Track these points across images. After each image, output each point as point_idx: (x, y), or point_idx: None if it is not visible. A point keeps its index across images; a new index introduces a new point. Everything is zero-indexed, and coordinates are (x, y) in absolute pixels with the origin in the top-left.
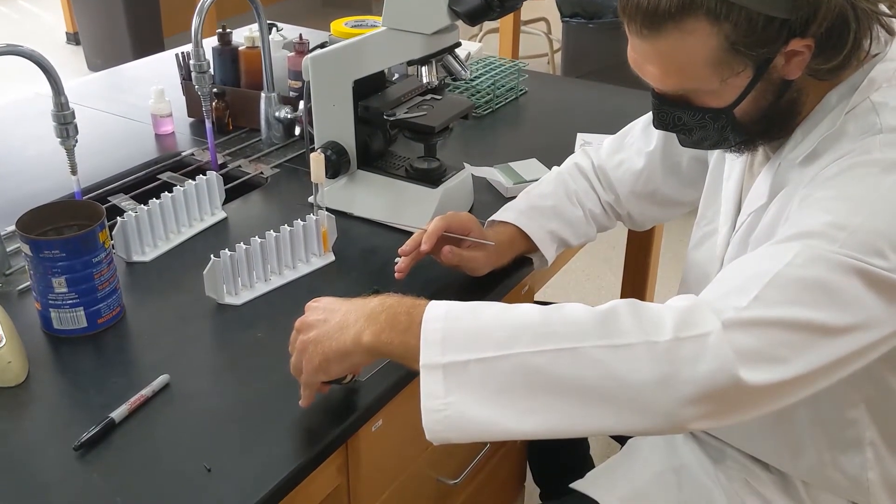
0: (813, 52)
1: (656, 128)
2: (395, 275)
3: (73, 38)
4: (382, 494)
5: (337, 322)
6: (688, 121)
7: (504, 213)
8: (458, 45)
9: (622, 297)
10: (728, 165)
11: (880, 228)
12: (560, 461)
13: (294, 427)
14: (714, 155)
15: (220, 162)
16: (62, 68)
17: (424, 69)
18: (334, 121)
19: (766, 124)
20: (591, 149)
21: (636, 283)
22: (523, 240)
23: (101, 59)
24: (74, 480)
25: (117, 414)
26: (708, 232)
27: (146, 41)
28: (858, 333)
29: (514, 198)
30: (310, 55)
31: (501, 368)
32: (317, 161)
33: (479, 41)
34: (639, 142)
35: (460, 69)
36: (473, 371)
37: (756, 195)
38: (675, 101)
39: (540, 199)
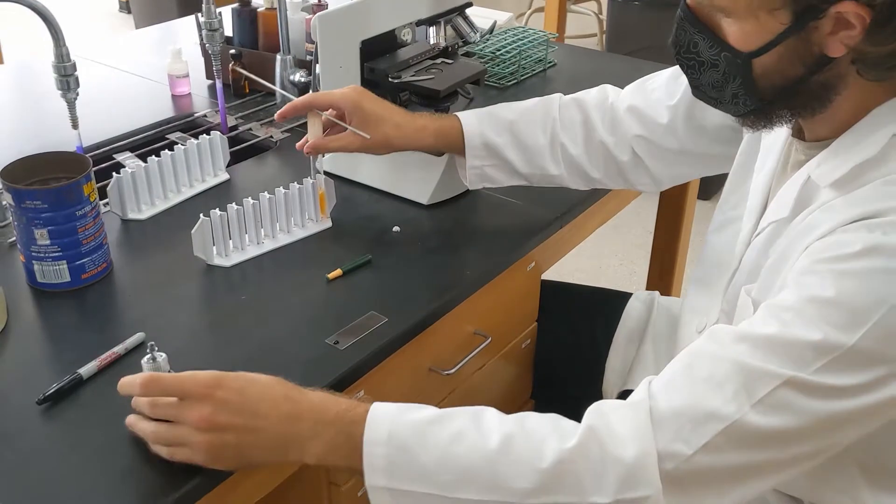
0: (867, 29)
1: (672, 47)
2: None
3: (126, 7)
4: None
5: (266, 438)
6: (703, 51)
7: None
8: (469, 5)
9: (649, 283)
10: (762, 153)
11: (878, 350)
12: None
13: None
14: (747, 134)
15: (231, 124)
16: (112, 34)
17: (432, 30)
18: (341, 82)
19: (785, 99)
20: (611, 87)
21: (664, 267)
22: (449, 138)
23: (148, 25)
24: (34, 433)
25: (86, 370)
26: (730, 218)
27: (193, 6)
28: (804, 460)
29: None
30: (318, 14)
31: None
32: (313, 120)
33: (526, 21)
34: (661, 91)
35: (469, 31)
36: (419, 499)
37: (780, 205)
38: (701, 23)
39: (503, 109)
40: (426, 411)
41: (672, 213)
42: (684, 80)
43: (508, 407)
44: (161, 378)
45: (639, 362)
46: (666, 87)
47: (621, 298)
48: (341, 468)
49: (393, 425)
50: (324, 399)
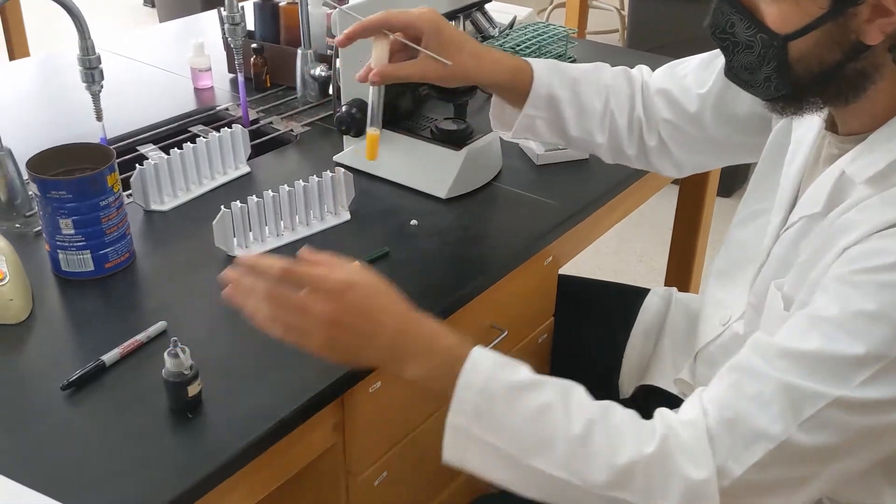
0: None
1: (708, 27)
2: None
3: (150, 1)
4: (382, 457)
5: (377, 346)
6: (739, 31)
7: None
8: (488, 0)
9: (667, 279)
10: (793, 145)
11: None
12: None
13: (286, 381)
14: (776, 126)
15: (253, 118)
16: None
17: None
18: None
19: (819, 85)
20: (645, 67)
21: (681, 265)
22: (518, 79)
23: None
24: (57, 417)
25: (108, 357)
26: (757, 211)
27: (217, 1)
28: (847, 471)
29: (545, 166)
30: (339, 9)
31: (516, 464)
32: (381, 43)
33: (547, 17)
34: (691, 78)
35: (488, 26)
36: (492, 451)
37: (812, 200)
38: (739, 3)
39: (568, 66)
40: (521, 373)
41: (691, 209)
42: (715, 67)
43: None
44: (297, 271)
45: (656, 358)
46: (696, 74)
47: (639, 294)
48: (432, 392)
49: (489, 379)
50: (437, 328)
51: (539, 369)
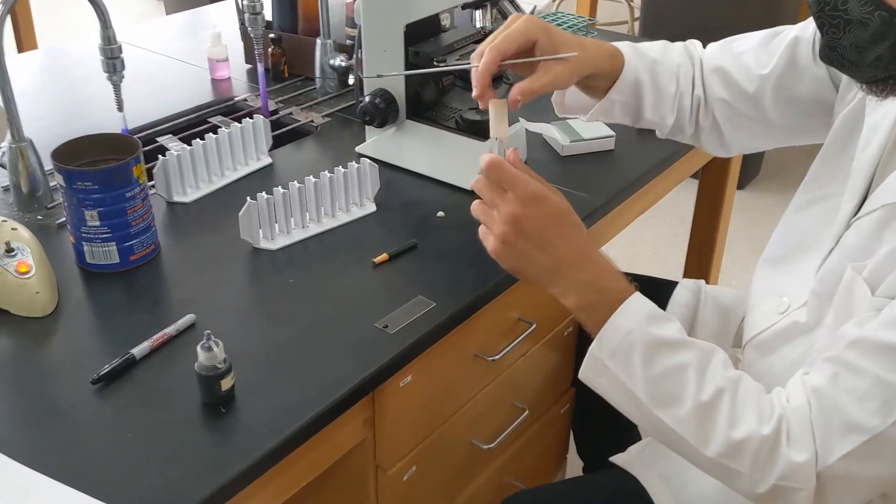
0: None
1: (814, 5)
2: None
3: None
4: (411, 452)
5: (545, 263)
6: (853, 8)
7: None
8: None
9: (686, 272)
10: (867, 131)
11: None
12: (607, 436)
13: (319, 374)
14: (844, 110)
15: (272, 108)
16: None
17: (478, 13)
18: (384, 67)
19: None
20: (698, 43)
21: (702, 257)
22: (614, 64)
23: (180, 10)
24: (88, 411)
25: (138, 350)
26: (819, 197)
27: None
28: None
29: (570, 157)
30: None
31: (641, 408)
32: (499, 109)
33: (556, 7)
34: (750, 57)
35: (515, 14)
36: (621, 388)
37: None
38: None
39: (646, 47)
40: (668, 329)
41: (711, 201)
42: (776, 48)
43: (549, 396)
44: (504, 166)
45: None
46: (755, 53)
47: (667, 287)
48: (583, 322)
49: (636, 327)
50: (606, 268)
51: (565, 364)
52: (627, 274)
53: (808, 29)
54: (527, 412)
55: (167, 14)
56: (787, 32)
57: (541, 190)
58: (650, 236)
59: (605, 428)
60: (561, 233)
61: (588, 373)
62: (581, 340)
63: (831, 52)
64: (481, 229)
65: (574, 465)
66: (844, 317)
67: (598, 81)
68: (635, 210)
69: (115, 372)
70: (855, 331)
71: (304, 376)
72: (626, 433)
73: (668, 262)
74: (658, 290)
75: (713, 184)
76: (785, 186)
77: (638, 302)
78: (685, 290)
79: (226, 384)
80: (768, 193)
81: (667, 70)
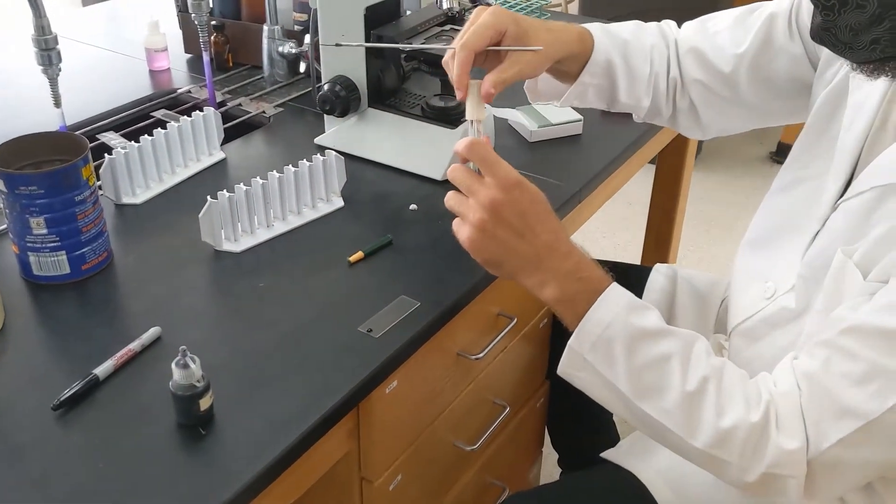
0: None
1: None
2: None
3: None
4: (396, 460)
5: (524, 253)
6: None
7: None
8: None
9: (645, 255)
10: (851, 110)
11: None
12: (581, 426)
13: (303, 386)
14: (825, 89)
15: (218, 100)
16: (58, 6)
17: None
18: (344, 53)
19: None
20: (673, 23)
21: (661, 238)
22: (583, 46)
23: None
24: (53, 442)
25: (102, 370)
26: (802, 177)
27: None
28: None
29: (538, 143)
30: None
31: (624, 400)
32: (475, 91)
33: None
34: (725, 37)
35: None
36: (602, 381)
37: (890, 168)
38: None
39: (616, 28)
40: (649, 319)
41: (669, 182)
42: (751, 25)
43: (526, 391)
44: (481, 147)
45: None
46: (731, 32)
47: (640, 272)
48: (561, 314)
49: (616, 319)
50: (582, 256)
51: (540, 357)
52: (601, 261)
53: (782, 4)
54: (507, 409)
55: (84, 6)
56: (763, 9)
57: (520, 176)
58: (596, 219)
59: (579, 419)
60: (541, 219)
61: (567, 367)
62: (555, 332)
63: (824, 33)
64: (456, 221)
65: (549, 460)
66: (835, 301)
67: (570, 65)
68: (604, 195)
69: (78, 395)
70: (848, 314)
71: (287, 389)
72: (599, 424)
73: (618, 245)
74: (631, 277)
75: (671, 164)
76: (727, 167)
77: (617, 292)
78: (660, 275)
79: (205, 403)
80: (710, 173)
81: (640, 50)
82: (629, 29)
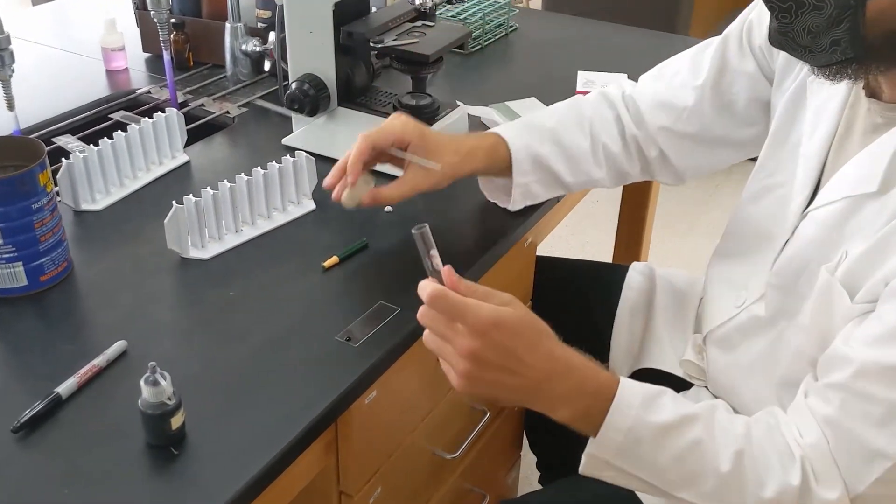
0: None
1: None
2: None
3: None
4: (375, 473)
5: (522, 386)
6: None
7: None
8: None
9: (616, 253)
10: (812, 115)
11: None
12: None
13: (276, 401)
14: (784, 97)
15: (181, 101)
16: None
17: None
18: (312, 50)
19: (889, 49)
20: (626, 81)
21: (632, 237)
22: (496, 157)
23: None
24: (13, 466)
25: (65, 388)
26: (770, 185)
27: None
28: None
29: None
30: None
31: (660, 492)
32: (361, 183)
33: None
34: (684, 74)
35: None
36: (632, 479)
37: (861, 176)
38: None
39: (541, 118)
40: (668, 411)
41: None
42: (708, 55)
43: None
44: (448, 297)
45: (651, 339)
46: (689, 68)
47: (615, 271)
48: (580, 430)
49: (636, 422)
50: (584, 368)
51: None
52: (569, 259)
53: (734, 25)
54: (487, 415)
55: (33, 5)
56: (714, 40)
57: (494, 314)
58: (565, 218)
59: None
60: (529, 348)
61: (591, 470)
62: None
63: (782, 38)
64: (441, 362)
65: (525, 461)
66: (824, 319)
67: (493, 173)
68: (580, 192)
69: (40, 416)
70: (851, 353)
71: (263, 404)
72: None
73: (586, 243)
74: (608, 275)
75: None
76: None
77: (628, 392)
78: (638, 274)
79: (176, 422)
80: None
81: (571, 131)
82: (559, 112)
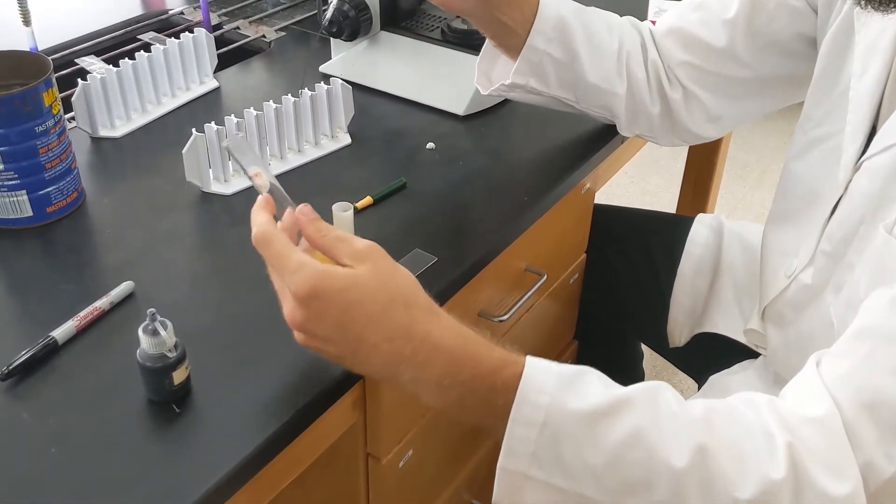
0: None
1: None
2: None
3: None
4: (406, 435)
5: (374, 367)
6: None
7: None
8: None
9: (681, 203)
10: (861, 56)
11: None
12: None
13: (299, 355)
14: (827, 36)
15: (214, 23)
16: None
17: None
18: None
19: None
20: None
21: (699, 186)
22: (524, 3)
23: None
24: None
25: (62, 332)
26: (817, 137)
27: None
28: None
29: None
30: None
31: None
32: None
33: None
34: (709, 6)
35: None
36: (561, 494)
37: None
38: None
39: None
40: (592, 396)
41: None
42: None
43: (550, 352)
44: (270, 245)
45: (715, 301)
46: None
47: (679, 223)
48: (469, 426)
49: (551, 410)
50: (457, 347)
51: (568, 316)
52: (627, 208)
53: None
54: None
55: None
56: None
57: (313, 281)
58: (626, 165)
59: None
60: (370, 322)
61: (506, 497)
62: (587, 287)
63: None
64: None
65: None
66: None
67: (514, 21)
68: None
69: (32, 362)
70: (888, 291)
71: (281, 358)
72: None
73: (647, 191)
74: (671, 227)
75: None
76: None
77: (537, 371)
78: (704, 227)
79: (179, 376)
80: None
81: (600, 20)
82: (593, 9)
